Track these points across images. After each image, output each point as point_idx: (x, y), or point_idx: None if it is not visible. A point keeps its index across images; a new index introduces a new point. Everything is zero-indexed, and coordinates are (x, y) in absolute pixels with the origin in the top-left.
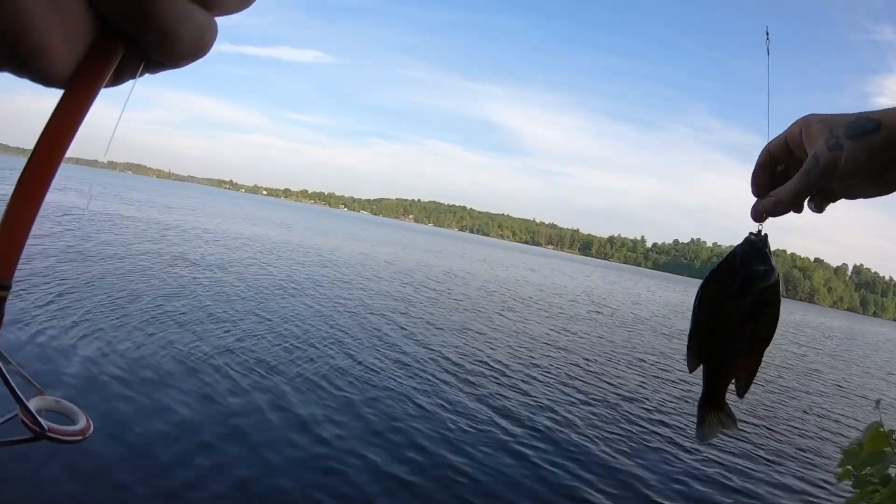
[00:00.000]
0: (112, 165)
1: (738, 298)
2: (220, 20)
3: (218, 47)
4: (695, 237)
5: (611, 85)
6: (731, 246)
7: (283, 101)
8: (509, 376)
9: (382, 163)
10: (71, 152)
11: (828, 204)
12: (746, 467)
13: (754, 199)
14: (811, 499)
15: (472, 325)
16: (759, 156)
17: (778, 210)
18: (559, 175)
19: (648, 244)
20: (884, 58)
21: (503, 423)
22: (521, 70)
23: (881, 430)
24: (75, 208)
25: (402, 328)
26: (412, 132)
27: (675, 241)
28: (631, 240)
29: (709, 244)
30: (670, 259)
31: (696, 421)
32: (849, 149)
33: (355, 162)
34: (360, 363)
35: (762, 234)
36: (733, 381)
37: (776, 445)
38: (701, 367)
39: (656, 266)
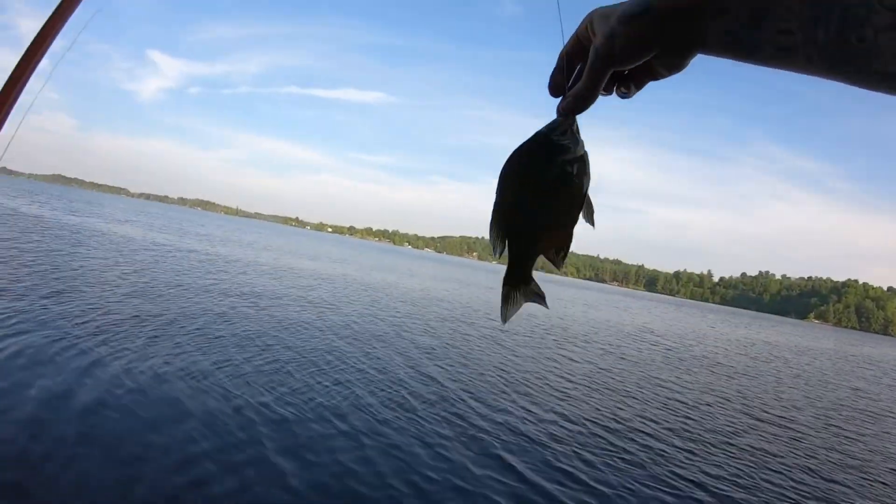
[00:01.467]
0: (182, 201)
1: (540, 170)
2: (286, 64)
3: (285, 89)
4: (763, 269)
5: (672, 118)
6: (800, 278)
7: (348, 141)
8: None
9: (446, 201)
10: (144, 188)
11: (634, 88)
12: None
13: (828, 227)
14: None
15: (511, 363)
16: (557, 60)
17: (579, 104)
18: (623, 211)
19: (715, 278)
20: None
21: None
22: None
23: None
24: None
25: (451, 363)
26: (476, 170)
27: (743, 275)
28: (697, 274)
29: (777, 276)
30: (738, 293)
31: (501, 301)
32: (620, 34)
33: (419, 200)
34: (404, 400)
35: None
36: (544, 256)
37: (849, 493)
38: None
39: (724, 301)
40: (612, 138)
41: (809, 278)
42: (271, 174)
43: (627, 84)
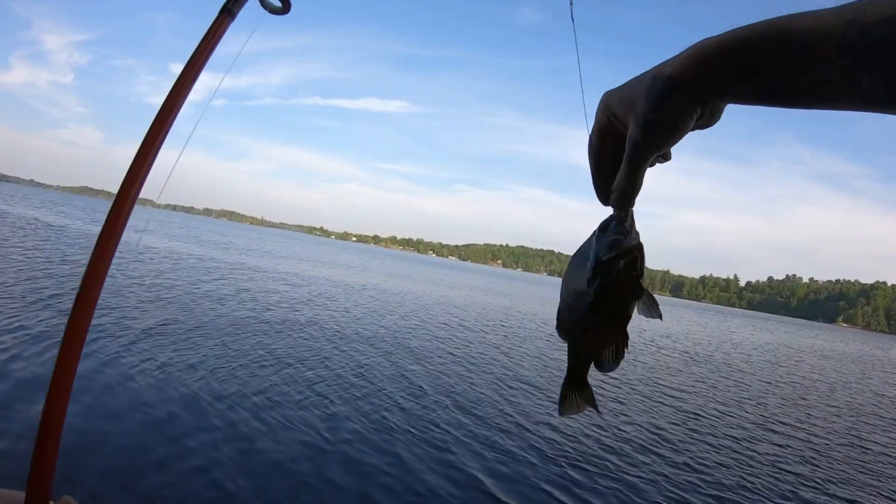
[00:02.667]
0: (208, 212)
1: (587, 273)
2: (308, 76)
3: (308, 100)
4: (790, 273)
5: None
6: (828, 281)
7: (371, 151)
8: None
9: (470, 209)
10: (170, 199)
11: (669, 156)
12: None
13: (856, 229)
14: None
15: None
16: (591, 163)
17: (625, 200)
18: (648, 216)
19: (742, 283)
20: None
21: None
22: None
23: None
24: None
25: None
26: (499, 178)
27: (770, 279)
28: (723, 279)
29: (805, 280)
30: (765, 298)
31: (558, 397)
32: (656, 120)
33: (443, 208)
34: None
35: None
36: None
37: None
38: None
39: (751, 306)
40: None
41: (837, 281)
42: (295, 184)
43: (665, 153)
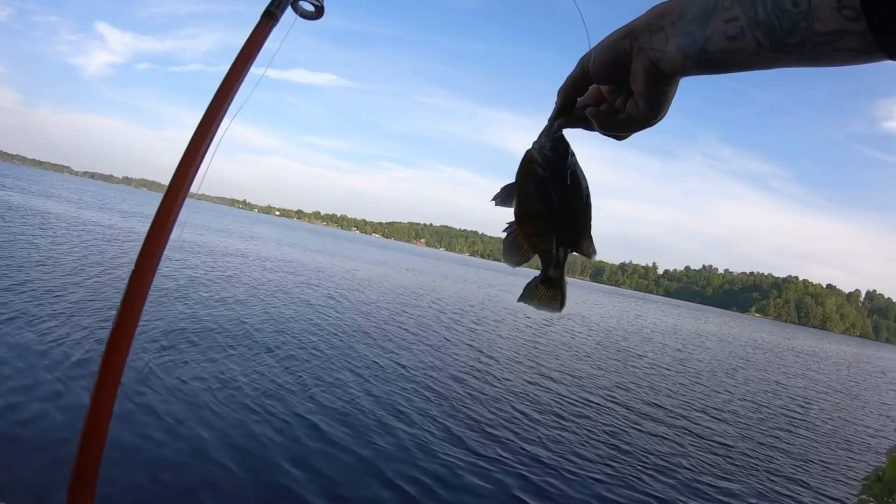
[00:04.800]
0: (127, 181)
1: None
2: (237, 43)
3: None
4: (707, 264)
5: None
6: (743, 273)
7: (299, 124)
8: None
9: (395, 187)
10: (88, 167)
11: (619, 131)
12: (765, 496)
13: (772, 226)
14: None
15: (428, 343)
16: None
17: (555, 111)
18: None
19: (660, 271)
20: (891, 80)
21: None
22: (537, 98)
23: None
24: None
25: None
26: (427, 158)
27: (687, 268)
28: (643, 266)
29: (720, 271)
30: (682, 286)
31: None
32: (596, 51)
33: (368, 185)
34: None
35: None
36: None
37: (789, 473)
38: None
39: (668, 293)
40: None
41: (751, 273)
42: (219, 155)
43: (614, 126)
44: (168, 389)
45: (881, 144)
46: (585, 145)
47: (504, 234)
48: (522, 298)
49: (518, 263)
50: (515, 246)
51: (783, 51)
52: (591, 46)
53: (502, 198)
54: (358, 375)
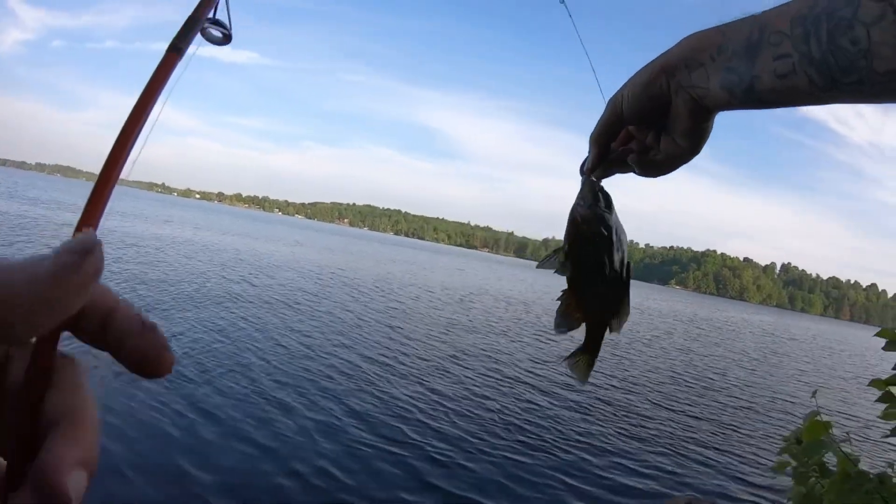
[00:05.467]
0: (41, 167)
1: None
2: (154, 20)
3: (153, 46)
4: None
5: (549, 93)
6: (663, 247)
7: (218, 103)
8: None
9: (317, 167)
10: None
11: (660, 171)
12: (684, 464)
13: (691, 203)
14: (755, 491)
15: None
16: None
17: (593, 162)
18: (496, 180)
19: None
20: None
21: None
22: (461, 76)
23: (819, 418)
24: None
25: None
26: (349, 136)
27: None
28: None
29: (641, 245)
30: None
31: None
32: (627, 88)
33: (290, 165)
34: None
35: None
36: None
37: (715, 440)
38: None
39: None
40: (487, 108)
41: (671, 248)
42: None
43: (649, 166)
44: None
45: (797, 125)
46: (495, 118)
47: (558, 302)
48: (568, 366)
49: (567, 331)
50: (566, 314)
51: (839, 89)
52: (589, 56)
53: (550, 262)
54: (262, 357)
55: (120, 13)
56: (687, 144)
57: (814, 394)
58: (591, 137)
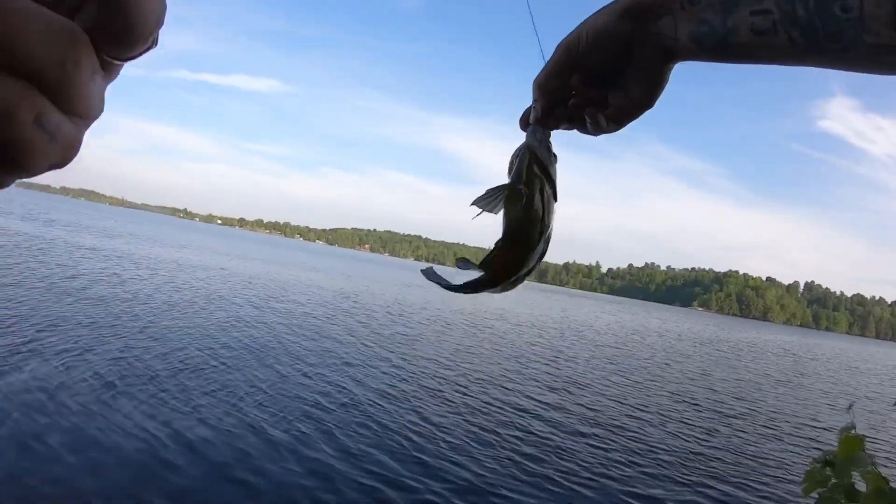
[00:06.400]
0: (65, 191)
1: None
2: (177, 47)
3: (176, 73)
4: (649, 261)
5: None
6: (684, 269)
7: (239, 130)
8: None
9: (338, 193)
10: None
11: (606, 121)
12: (710, 487)
13: (711, 223)
14: None
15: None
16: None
17: (543, 111)
18: None
19: (603, 269)
20: (825, 82)
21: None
22: (477, 101)
23: (853, 432)
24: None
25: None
26: (368, 162)
27: (630, 266)
28: (586, 266)
29: (662, 268)
30: (625, 284)
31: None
32: (588, 26)
33: (311, 192)
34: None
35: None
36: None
37: (735, 470)
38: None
39: (612, 291)
40: (504, 133)
41: (693, 269)
42: (159, 163)
43: (597, 114)
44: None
45: (815, 142)
46: (507, 141)
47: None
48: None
49: (468, 268)
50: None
51: (820, 54)
52: (538, 36)
53: (486, 201)
54: (272, 385)
55: None
56: (642, 97)
57: (850, 407)
58: (536, 83)
